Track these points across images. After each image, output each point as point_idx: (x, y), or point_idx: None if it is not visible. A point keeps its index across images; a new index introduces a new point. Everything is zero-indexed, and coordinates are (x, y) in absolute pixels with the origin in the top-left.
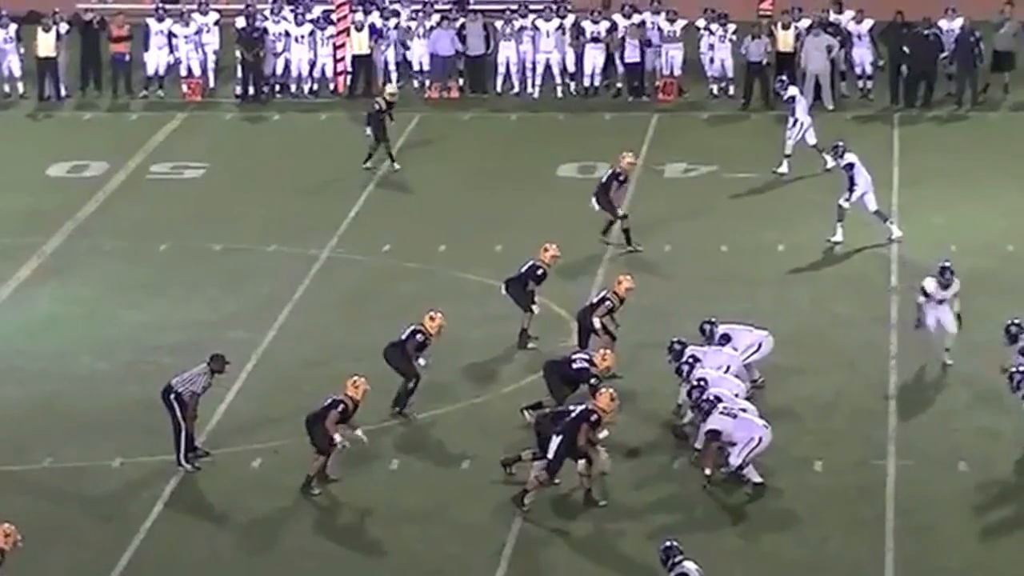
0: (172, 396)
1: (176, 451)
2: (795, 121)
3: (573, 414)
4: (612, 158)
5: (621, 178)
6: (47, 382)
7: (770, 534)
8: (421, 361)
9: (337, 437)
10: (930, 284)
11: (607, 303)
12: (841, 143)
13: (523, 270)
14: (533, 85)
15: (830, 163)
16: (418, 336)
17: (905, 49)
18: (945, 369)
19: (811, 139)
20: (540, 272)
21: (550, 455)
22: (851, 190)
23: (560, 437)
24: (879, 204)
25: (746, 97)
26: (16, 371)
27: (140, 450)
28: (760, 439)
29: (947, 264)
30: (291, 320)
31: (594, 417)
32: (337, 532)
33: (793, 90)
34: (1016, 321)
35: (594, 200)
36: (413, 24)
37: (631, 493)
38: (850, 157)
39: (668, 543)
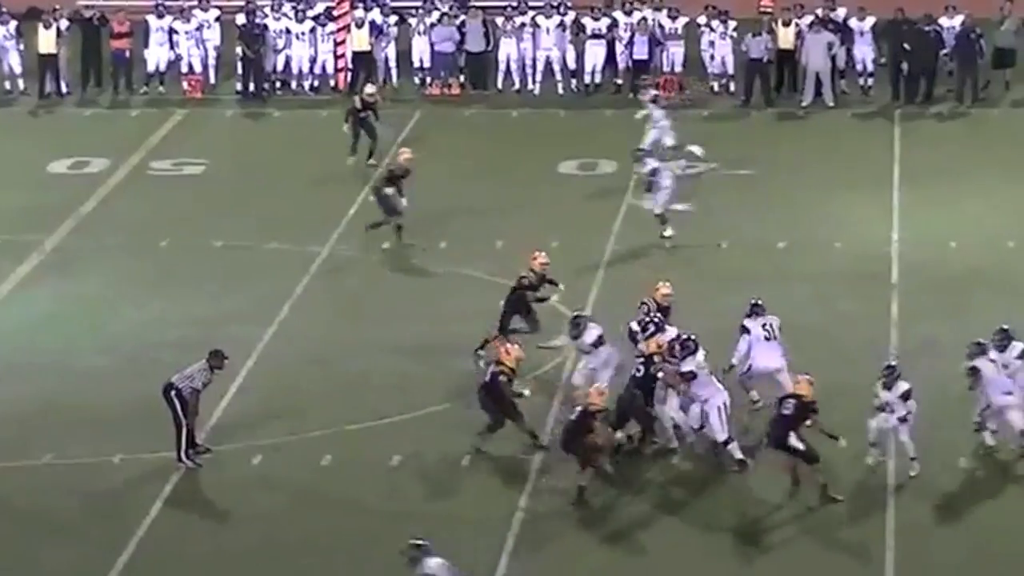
0: (173, 393)
1: (177, 448)
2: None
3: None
4: (614, 155)
5: (398, 173)
6: (48, 378)
7: (770, 531)
8: (526, 392)
9: (616, 435)
10: (877, 386)
11: (643, 308)
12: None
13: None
14: (534, 82)
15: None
16: (501, 377)
17: (906, 46)
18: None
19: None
20: (525, 281)
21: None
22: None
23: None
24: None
25: (747, 94)
26: (17, 367)
27: (141, 446)
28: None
29: (892, 363)
30: (291, 317)
31: None
32: (337, 528)
33: (652, 162)
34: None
35: (373, 195)
36: (414, 21)
37: (633, 489)
38: (652, 163)
39: (416, 541)
